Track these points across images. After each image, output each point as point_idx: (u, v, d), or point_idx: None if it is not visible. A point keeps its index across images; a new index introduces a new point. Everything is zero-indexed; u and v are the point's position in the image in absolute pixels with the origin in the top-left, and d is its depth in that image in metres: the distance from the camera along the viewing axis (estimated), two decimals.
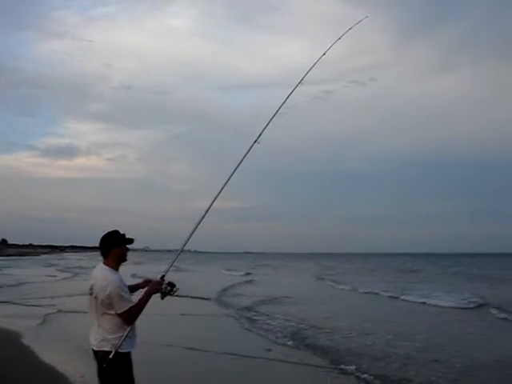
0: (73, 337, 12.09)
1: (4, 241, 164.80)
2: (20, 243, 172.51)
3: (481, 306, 21.41)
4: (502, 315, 18.35)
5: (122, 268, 4.76)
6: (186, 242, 4.94)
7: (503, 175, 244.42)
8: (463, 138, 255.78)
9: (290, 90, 5.91)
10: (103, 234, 4.68)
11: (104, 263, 4.65)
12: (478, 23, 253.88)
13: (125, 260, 4.74)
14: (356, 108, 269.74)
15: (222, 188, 4.98)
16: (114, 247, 4.64)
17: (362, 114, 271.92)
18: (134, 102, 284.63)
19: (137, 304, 4.55)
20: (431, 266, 70.98)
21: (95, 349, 4.56)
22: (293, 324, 15.85)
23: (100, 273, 4.62)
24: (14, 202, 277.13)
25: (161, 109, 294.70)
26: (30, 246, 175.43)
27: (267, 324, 15.85)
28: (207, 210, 4.92)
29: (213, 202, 4.95)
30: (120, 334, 4.47)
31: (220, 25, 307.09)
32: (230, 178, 4.97)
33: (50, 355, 10.44)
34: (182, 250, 5.05)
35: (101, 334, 4.52)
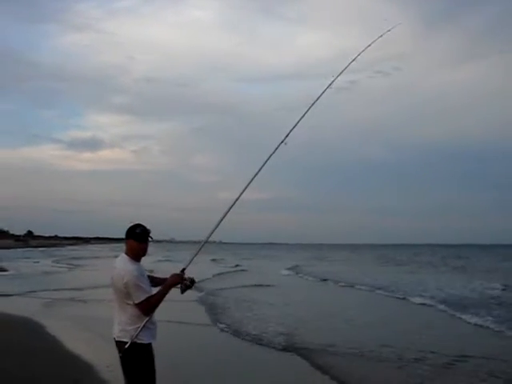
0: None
1: (30, 232, 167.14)
2: (46, 235, 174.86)
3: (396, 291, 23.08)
4: (419, 300, 20.03)
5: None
6: (210, 236, 4.96)
7: None
8: (489, 127, 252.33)
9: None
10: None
11: (125, 253, 4.71)
12: (503, 12, 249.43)
13: (138, 254, 4.72)
14: (380, 98, 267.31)
15: (247, 186, 5.02)
16: (127, 240, 4.71)
17: (387, 103, 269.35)
18: (157, 94, 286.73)
19: (155, 295, 4.58)
20: (436, 257, 71.93)
21: (116, 339, 4.62)
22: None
23: (119, 263, 4.68)
24: (40, 195, 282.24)
25: (184, 101, 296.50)
26: (56, 237, 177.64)
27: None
28: (230, 207, 4.96)
29: (237, 199, 4.99)
30: (138, 325, 4.49)
31: (242, 16, 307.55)
32: (254, 176, 5.01)
33: (74, 344, 10.77)
34: (206, 242, 5.07)
35: (121, 325, 4.57)
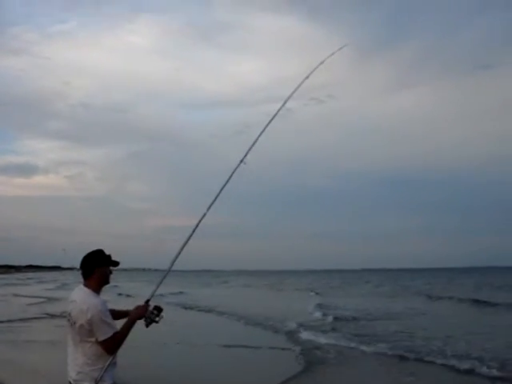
0: None
1: None
2: None
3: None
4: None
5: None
6: (172, 265, 4.64)
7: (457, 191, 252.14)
8: (421, 154, 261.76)
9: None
10: (86, 253, 4.24)
11: (84, 285, 4.18)
12: (433, 42, 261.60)
13: (107, 282, 4.28)
14: (315, 126, 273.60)
15: (208, 208, 4.75)
16: (98, 268, 4.19)
17: (321, 131, 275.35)
18: (92, 120, 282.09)
19: (119, 331, 4.08)
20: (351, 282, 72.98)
21: (73, 383, 4.08)
22: None
23: (80, 295, 4.12)
24: None
25: (120, 127, 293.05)
26: None
27: None
28: (192, 232, 4.67)
29: (197, 225, 4.71)
30: (100, 366, 4.00)
31: (180, 43, 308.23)
32: (215, 198, 4.73)
33: None
34: (169, 272, 4.70)
35: (79, 366, 4.02)
